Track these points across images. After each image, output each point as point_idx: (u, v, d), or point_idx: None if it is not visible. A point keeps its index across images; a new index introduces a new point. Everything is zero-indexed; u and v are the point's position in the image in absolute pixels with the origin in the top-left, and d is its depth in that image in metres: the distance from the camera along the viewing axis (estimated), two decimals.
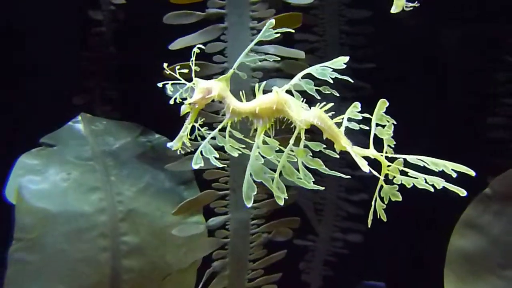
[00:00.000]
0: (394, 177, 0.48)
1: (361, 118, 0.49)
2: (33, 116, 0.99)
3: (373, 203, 0.49)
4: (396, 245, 1.04)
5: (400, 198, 0.48)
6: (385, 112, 0.49)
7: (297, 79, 0.51)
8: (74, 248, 0.73)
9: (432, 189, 0.46)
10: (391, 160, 0.49)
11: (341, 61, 0.51)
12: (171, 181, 0.83)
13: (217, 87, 0.52)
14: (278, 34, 0.52)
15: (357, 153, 0.48)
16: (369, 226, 0.49)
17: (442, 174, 0.46)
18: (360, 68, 0.99)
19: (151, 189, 0.81)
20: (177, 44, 0.68)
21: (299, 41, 0.96)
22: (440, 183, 0.46)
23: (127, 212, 0.77)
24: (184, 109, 0.52)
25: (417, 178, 0.47)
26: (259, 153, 0.49)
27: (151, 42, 0.96)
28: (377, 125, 0.49)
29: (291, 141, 0.49)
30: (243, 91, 0.52)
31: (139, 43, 1.01)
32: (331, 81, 0.50)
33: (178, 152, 0.53)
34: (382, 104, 0.50)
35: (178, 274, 0.78)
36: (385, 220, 0.49)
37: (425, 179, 0.46)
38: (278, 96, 0.51)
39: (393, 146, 0.49)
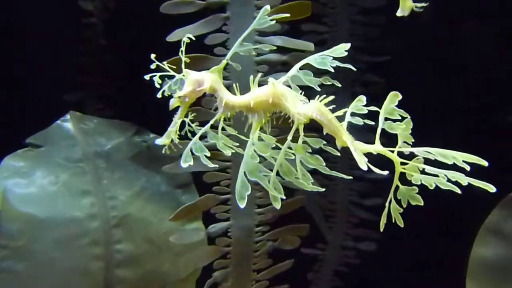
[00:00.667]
0: (410, 176, 0.48)
1: (366, 112, 0.49)
2: (20, 115, 1.01)
3: (387, 204, 0.50)
4: (413, 254, 1.04)
5: (421, 202, 0.48)
6: (398, 107, 0.50)
7: (294, 70, 0.51)
8: (64, 257, 0.74)
9: (459, 190, 0.45)
10: (399, 155, 0.48)
11: (342, 49, 0.51)
12: (168, 184, 0.83)
13: (209, 79, 0.52)
14: (274, 22, 0.53)
15: (359, 149, 0.48)
16: (381, 230, 0.49)
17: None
18: (373, 61, 0.99)
19: (146, 193, 0.81)
20: (175, 36, 0.68)
21: (307, 32, 0.97)
22: (463, 179, 0.45)
23: (121, 217, 0.78)
24: (173, 103, 0.52)
25: (437, 176, 0.46)
26: (254, 150, 0.49)
27: (147, 34, 0.97)
28: (387, 119, 0.49)
29: (289, 137, 0.49)
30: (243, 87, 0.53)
31: (134, 35, 1.02)
32: (332, 70, 0.51)
33: (163, 151, 0.54)
34: (394, 97, 0.50)
35: (175, 285, 0.79)
36: (401, 225, 0.49)
37: (446, 176, 0.46)
38: (274, 88, 0.50)
39: (411, 143, 0.48)
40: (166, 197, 0.82)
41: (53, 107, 0.94)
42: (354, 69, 0.52)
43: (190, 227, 0.79)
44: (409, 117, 0.49)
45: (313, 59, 0.52)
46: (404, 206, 0.49)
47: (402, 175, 0.49)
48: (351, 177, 0.52)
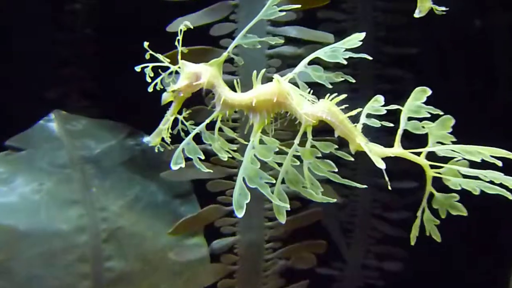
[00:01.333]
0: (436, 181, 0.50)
1: (385, 112, 0.51)
2: None
3: (419, 214, 0.50)
4: (445, 276, 1.04)
5: (464, 212, 0.49)
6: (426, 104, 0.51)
7: (302, 65, 0.53)
8: (48, 275, 0.75)
9: (510, 195, 0.46)
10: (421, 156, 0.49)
11: (355, 39, 0.54)
12: (166, 193, 0.84)
13: (207, 73, 0.53)
14: (283, 13, 0.55)
15: (376, 153, 0.49)
16: (412, 244, 0.50)
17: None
18: (400, 53, 1.00)
19: (141, 203, 0.82)
20: (176, 25, 0.68)
21: (323, 20, 0.98)
22: (507, 180, 0.46)
23: (112, 231, 0.79)
24: (165, 97, 0.54)
25: (477, 179, 0.47)
26: (254, 155, 0.51)
27: (141, 23, 0.98)
28: (411, 118, 0.51)
29: (296, 141, 0.51)
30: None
31: (125, 24, 1.02)
32: (345, 62, 0.53)
33: (156, 149, 0.55)
34: (420, 94, 0.51)
35: None
36: (438, 240, 0.50)
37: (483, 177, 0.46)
38: (280, 86, 0.52)
39: (449, 142, 0.49)
40: (163, 208, 0.83)
41: (34, 105, 0.95)
42: (370, 58, 0.53)
43: (190, 242, 0.80)
44: (441, 113, 0.50)
45: (323, 52, 0.53)
46: (443, 216, 0.50)
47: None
48: (365, 186, 0.54)
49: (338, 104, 0.52)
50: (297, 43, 0.73)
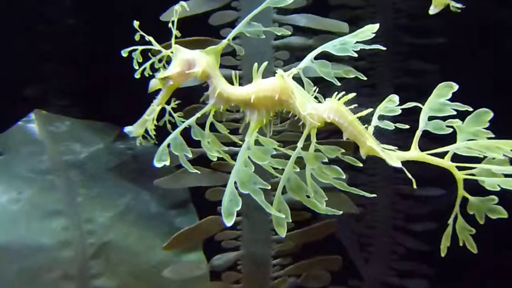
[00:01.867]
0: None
1: (399, 113, 0.51)
2: None
3: (450, 222, 0.50)
4: None
5: (504, 214, 0.49)
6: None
7: (308, 60, 0.54)
8: None
9: None
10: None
11: (368, 31, 0.54)
12: (160, 203, 0.84)
13: (203, 61, 0.53)
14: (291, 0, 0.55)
15: (392, 157, 0.49)
16: (442, 255, 0.51)
17: None
18: (424, 44, 1.00)
19: (132, 214, 0.82)
20: (171, 14, 0.68)
21: (336, 7, 0.98)
22: None
23: (100, 245, 0.79)
24: (153, 84, 0.54)
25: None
26: (249, 157, 0.52)
27: (130, 11, 0.98)
28: (432, 118, 0.52)
29: (299, 144, 0.52)
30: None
31: (113, 14, 1.02)
32: (355, 55, 0.53)
33: (138, 142, 0.55)
34: (445, 90, 0.51)
35: None
36: (474, 251, 0.50)
37: None
38: (283, 82, 0.52)
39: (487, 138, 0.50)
40: (158, 220, 0.83)
41: (10, 105, 0.96)
42: (383, 48, 0.54)
43: (188, 258, 0.80)
44: (470, 109, 0.51)
45: (332, 46, 0.54)
46: (482, 222, 0.50)
47: None
48: (374, 195, 0.54)
49: (348, 103, 0.53)
50: (307, 33, 0.73)
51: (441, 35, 1.00)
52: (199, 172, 0.57)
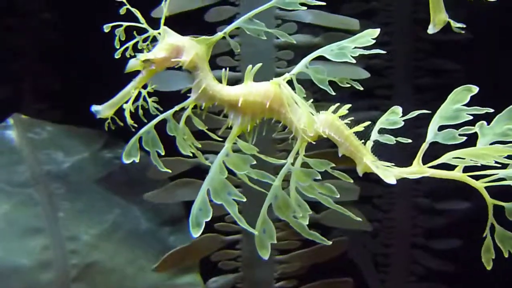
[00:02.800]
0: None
1: (402, 125, 0.52)
2: None
3: (486, 233, 0.49)
4: None
5: None
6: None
7: (303, 65, 0.54)
8: None
9: None
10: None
11: (368, 36, 0.54)
12: (151, 219, 0.84)
13: (192, 50, 0.53)
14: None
15: (389, 175, 0.50)
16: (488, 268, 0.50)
17: None
18: (446, 41, 0.99)
19: (120, 231, 0.82)
20: (162, 11, 0.69)
21: (348, 1, 0.96)
22: None
23: (84, 267, 0.78)
24: (133, 65, 0.53)
25: None
26: (224, 163, 0.52)
27: (114, 5, 0.96)
28: (442, 128, 0.52)
29: (289, 159, 0.52)
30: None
31: (93, 7, 1.01)
32: (353, 61, 0.53)
33: (106, 126, 0.54)
34: (463, 94, 0.51)
35: None
36: None
37: None
38: (277, 89, 0.52)
39: None
40: (149, 238, 0.82)
41: None
42: (383, 52, 0.53)
43: (182, 281, 0.79)
44: (491, 110, 0.51)
45: (329, 51, 0.54)
46: (506, 255, 0.50)
47: None
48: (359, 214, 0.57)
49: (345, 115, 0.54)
50: (314, 30, 0.72)
51: (465, 30, 0.98)
52: (170, 172, 0.57)
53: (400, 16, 0.98)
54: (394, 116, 0.54)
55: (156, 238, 0.83)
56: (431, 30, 0.56)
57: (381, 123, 0.54)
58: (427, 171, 0.51)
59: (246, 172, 0.54)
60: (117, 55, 0.54)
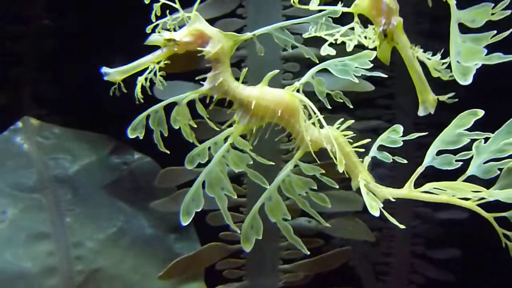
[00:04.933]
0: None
1: (401, 144, 0.53)
2: None
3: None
4: None
5: None
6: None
7: (310, 75, 0.55)
8: None
9: None
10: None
11: (366, 58, 0.55)
12: (158, 226, 0.82)
13: (219, 43, 0.53)
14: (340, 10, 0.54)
15: (378, 195, 0.52)
16: None
17: None
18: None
19: (125, 238, 0.81)
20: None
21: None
22: None
23: (89, 273, 0.77)
24: (154, 39, 0.53)
25: None
26: (223, 158, 0.54)
27: (119, 13, 0.94)
28: (441, 153, 0.52)
29: (290, 165, 0.54)
30: None
31: (95, 14, 0.97)
32: (356, 81, 0.55)
33: (111, 92, 0.53)
34: (467, 119, 0.51)
35: None
36: None
37: None
38: (291, 99, 0.53)
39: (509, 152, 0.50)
40: (154, 245, 0.81)
41: None
42: (385, 76, 0.55)
43: None
44: (491, 135, 0.51)
45: (333, 65, 0.55)
46: None
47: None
48: (323, 222, 0.58)
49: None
50: (319, 42, 0.71)
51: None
52: (168, 152, 0.58)
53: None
54: (395, 135, 0.55)
55: (162, 246, 0.82)
56: (421, 112, 0.55)
57: (381, 140, 0.55)
58: (416, 195, 0.53)
59: (244, 169, 0.55)
60: (148, 30, 0.54)
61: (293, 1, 0.55)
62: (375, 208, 0.50)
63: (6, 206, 0.78)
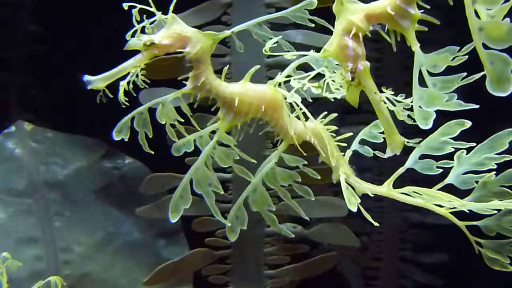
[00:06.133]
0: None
1: (382, 141, 0.53)
2: None
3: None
4: None
5: None
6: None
7: (291, 68, 0.54)
8: None
9: None
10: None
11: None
12: (147, 231, 0.82)
13: (198, 43, 0.52)
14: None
15: (357, 189, 0.51)
16: None
17: None
18: None
19: (114, 243, 0.80)
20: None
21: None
22: None
23: (77, 278, 0.77)
24: (133, 44, 0.52)
25: None
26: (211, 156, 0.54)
27: (105, 19, 0.93)
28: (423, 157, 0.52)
29: (274, 158, 0.54)
30: None
31: (77, 17, 0.96)
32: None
33: (98, 99, 0.52)
34: (454, 128, 0.51)
35: None
36: None
37: None
38: (274, 94, 0.53)
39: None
40: (143, 250, 0.81)
41: None
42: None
43: None
44: (474, 144, 0.51)
45: (314, 59, 0.54)
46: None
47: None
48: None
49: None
50: (305, 49, 0.70)
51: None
52: (152, 153, 0.57)
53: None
54: (376, 130, 0.56)
55: (151, 251, 0.81)
56: (388, 153, 0.55)
57: (363, 134, 0.56)
58: (394, 195, 0.52)
59: (228, 165, 0.55)
60: (128, 37, 0.53)
61: (265, 50, 0.54)
62: (353, 204, 0.50)
63: None
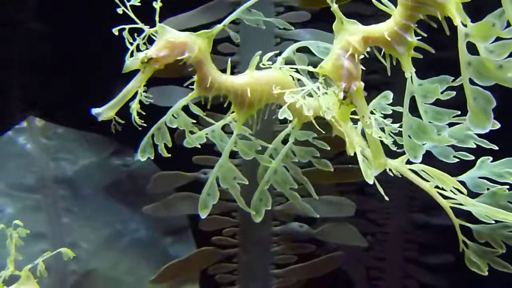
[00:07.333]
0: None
1: (391, 112, 0.53)
2: None
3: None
4: None
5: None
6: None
7: (290, 50, 0.55)
8: None
9: None
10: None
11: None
12: (155, 229, 0.81)
13: (195, 46, 0.50)
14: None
15: (370, 174, 0.49)
16: None
17: None
18: (445, 57, 0.96)
19: (122, 240, 0.80)
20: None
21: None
22: None
23: (83, 274, 0.76)
24: (131, 64, 0.50)
25: None
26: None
27: (110, 17, 0.91)
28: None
29: (291, 138, 0.55)
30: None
31: (87, 18, 0.94)
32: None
33: (113, 129, 0.51)
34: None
35: None
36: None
37: None
38: (282, 75, 0.52)
39: None
40: (150, 248, 0.80)
41: None
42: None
43: None
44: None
45: (315, 46, 0.54)
46: (503, 250, 0.52)
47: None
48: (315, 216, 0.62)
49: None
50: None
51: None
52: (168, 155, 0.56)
53: None
54: (385, 101, 0.55)
55: (158, 248, 0.80)
56: (374, 173, 0.54)
57: (372, 105, 0.55)
58: (404, 171, 0.52)
59: (252, 157, 0.55)
60: (127, 58, 0.51)
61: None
62: (369, 176, 0.48)
63: (4, 206, 0.77)
